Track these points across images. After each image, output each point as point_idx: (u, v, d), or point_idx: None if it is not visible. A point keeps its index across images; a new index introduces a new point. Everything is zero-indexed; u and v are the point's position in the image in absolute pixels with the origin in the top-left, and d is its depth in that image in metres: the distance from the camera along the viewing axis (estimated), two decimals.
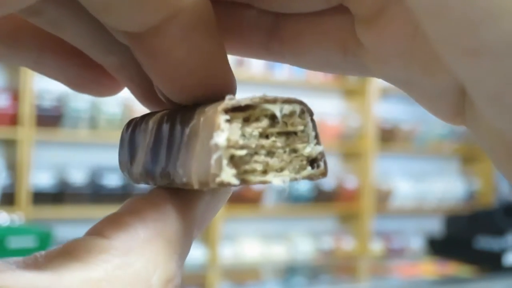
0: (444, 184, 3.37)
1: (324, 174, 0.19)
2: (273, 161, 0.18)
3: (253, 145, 0.18)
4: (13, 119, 2.44)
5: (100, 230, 0.18)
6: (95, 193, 2.58)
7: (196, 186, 0.18)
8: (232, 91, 0.20)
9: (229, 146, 0.17)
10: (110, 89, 0.24)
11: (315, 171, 0.19)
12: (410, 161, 3.37)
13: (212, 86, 0.19)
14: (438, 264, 2.57)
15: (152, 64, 0.19)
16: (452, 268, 2.45)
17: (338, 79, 3.10)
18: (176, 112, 0.20)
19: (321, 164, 0.19)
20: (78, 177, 2.58)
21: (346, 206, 3.11)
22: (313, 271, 2.65)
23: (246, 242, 2.91)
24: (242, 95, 0.18)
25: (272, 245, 2.94)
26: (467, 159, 3.52)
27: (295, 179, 0.18)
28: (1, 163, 2.45)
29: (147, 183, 0.21)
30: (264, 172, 0.18)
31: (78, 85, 0.24)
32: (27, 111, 2.42)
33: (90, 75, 0.23)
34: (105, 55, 0.22)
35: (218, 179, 0.17)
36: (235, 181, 0.17)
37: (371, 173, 3.11)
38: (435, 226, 3.08)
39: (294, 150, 0.19)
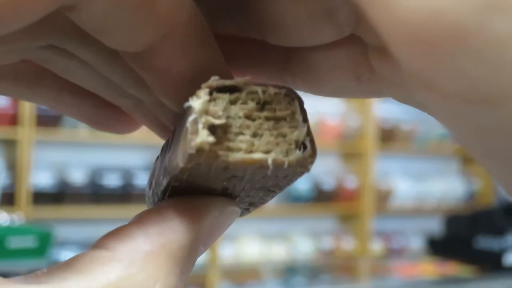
0: (444, 184, 3.37)
1: (312, 156, 0.18)
2: (260, 142, 0.17)
3: (238, 124, 0.17)
4: (13, 119, 2.44)
5: (104, 242, 0.18)
6: (95, 193, 2.57)
7: (180, 164, 0.17)
8: None
9: (207, 113, 0.17)
10: (129, 126, 0.24)
11: (303, 154, 0.18)
12: (410, 161, 3.37)
13: None
14: (438, 264, 2.57)
15: (153, 79, 0.19)
16: (452, 268, 2.45)
17: None
18: None
19: (308, 144, 0.18)
20: (78, 177, 2.57)
21: (346, 206, 3.11)
22: (313, 271, 2.65)
23: (246, 242, 2.91)
24: None
25: (272, 245, 2.94)
26: (467, 159, 3.52)
27: (283, 163, 0.17)
28: (1, 163, 2.45)
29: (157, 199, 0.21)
30: (250, 152, 0.17)
31: (97, 124, 0.24)
32: (27, 111, 2.42)
33: (109, 114, 0.24)
34: (118, 98, 0.23)
35: (193, 143, 0.16)
36: (207, 146, 0.16)
37: (371, 173, 3.11)
38: (435, 226, 3.08)
39: (283, 135, 0.18)
